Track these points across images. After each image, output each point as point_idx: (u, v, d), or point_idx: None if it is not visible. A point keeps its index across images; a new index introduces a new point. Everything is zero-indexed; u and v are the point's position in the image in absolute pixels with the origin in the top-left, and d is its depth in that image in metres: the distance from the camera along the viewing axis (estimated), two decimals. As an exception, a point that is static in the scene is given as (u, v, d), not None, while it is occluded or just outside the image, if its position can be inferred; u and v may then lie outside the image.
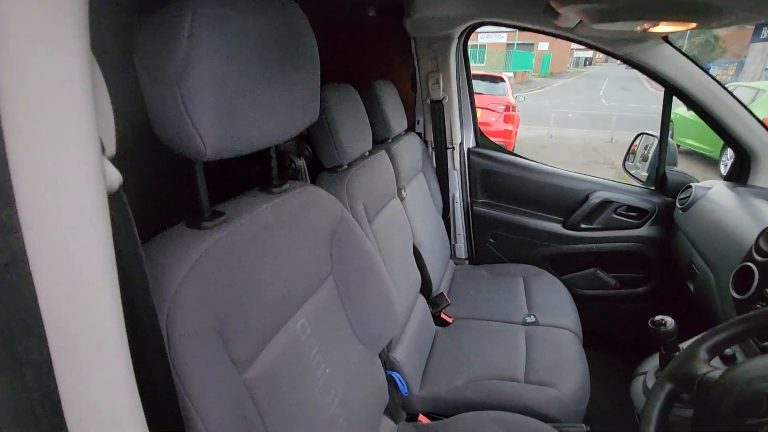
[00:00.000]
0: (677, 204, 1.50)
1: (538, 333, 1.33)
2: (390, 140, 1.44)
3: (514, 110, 6.13)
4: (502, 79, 6.49)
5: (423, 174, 1.69)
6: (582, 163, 6.58)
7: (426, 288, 1.46)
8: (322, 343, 0.74)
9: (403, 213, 1.37)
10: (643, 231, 1.62)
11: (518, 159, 1.80)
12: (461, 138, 1.77)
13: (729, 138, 1.41)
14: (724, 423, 0.53)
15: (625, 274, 1.73)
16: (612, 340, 1.75)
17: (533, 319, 1.40)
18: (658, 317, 0.91)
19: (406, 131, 1.61)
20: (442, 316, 1.46)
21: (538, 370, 1.16)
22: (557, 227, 1.74)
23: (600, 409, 1.42)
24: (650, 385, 0.94)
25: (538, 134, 8.58)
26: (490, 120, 5.96)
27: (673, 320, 0.89)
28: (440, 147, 1.74)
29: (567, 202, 1.72)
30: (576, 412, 1.06)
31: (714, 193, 1.38)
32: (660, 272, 1.64)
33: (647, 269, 1.68)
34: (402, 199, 1.40)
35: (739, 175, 1.47)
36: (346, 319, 0.86)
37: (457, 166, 1.78)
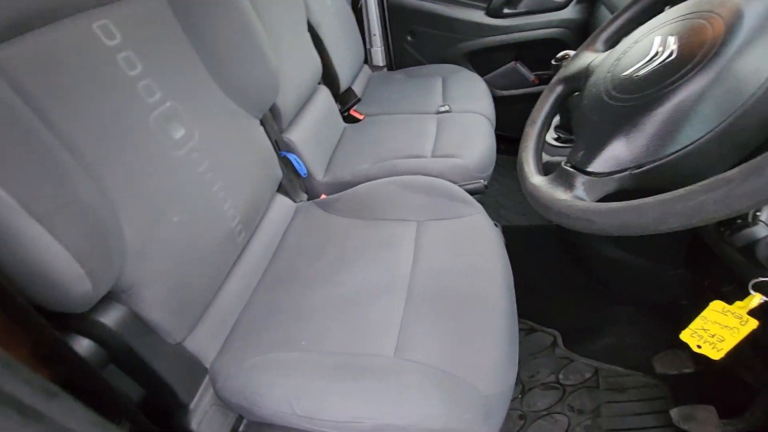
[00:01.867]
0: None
1: (450, 118, 1.26)
2: None
3: None
4: None
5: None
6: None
7: (330, 79, 1.29)
8: (152, 66, 0.57)
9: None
10: (568, 12, 1.49)
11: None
12: None
13: None
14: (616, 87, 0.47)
15: (543, 72, 1.67)
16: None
17: (447, 108, 1.32)
18: (561, 53, 0.83)
19: None
20: (352, 113, 1.33)
21: (444, 146, 1.12)
22: (479, 15, 1.55)
23: (503, 177, 1.50)
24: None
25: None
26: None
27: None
28: None
29: (492, -19, 1.50)
30: (479, 179, 1.06)
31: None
32: None
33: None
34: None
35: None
36: (198, 59, 0.68)
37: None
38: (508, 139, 1.41)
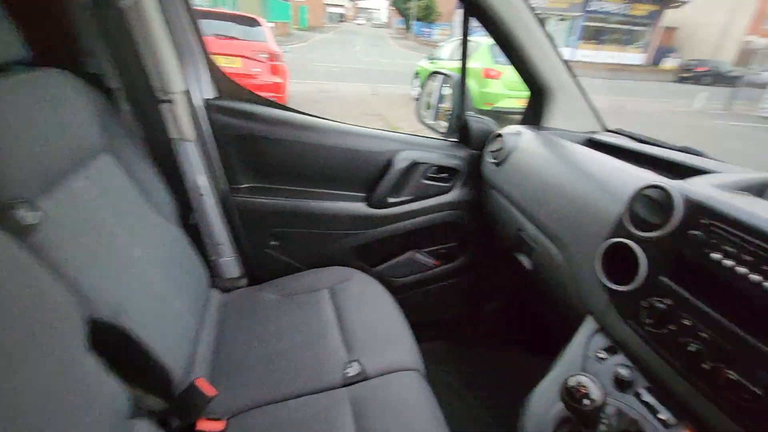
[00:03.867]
0: (489, 158, 1.21)
1: (369, 396, 0.82)
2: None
3: (279, 60, 5.37)
4: (258, 23, 5.54)
5: (113, 155, 0.85)
6: (356, 115, 6.57)
7: (154, 384, 0.73)
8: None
9: (28, 268, 0.55)
10: (455, 195, 1.32)
11: (290, 114, 1.16)
12: (185, 82, 0.99)
13: (529, 69, 1.17)
14: None
15: (440, 246, 1.44)
16: (441, 328, 1.48)
17: (357, 369, 0.88)
18: (572, 380, 0.52)
19: (35, 65, 0.71)
20: (201, 427, 0.76)
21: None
22: (360, 207, 1.25)
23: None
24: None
25: (308, 89, 8.20)
26: (254, 71, 5.04)
27: (599, 389, 0.51)
28: (140, 99, 0.92)
29: (368, 171, 1.23)
30: None
31: (526, 141, 1.13)
32: (475, 240, 1.39)
33: (462, 238, 1.41)
34: (26, 230, 0.57)
35: (533, 116, 1.29)
36: None
37: (191, 132, 1.01)
38: (415, 325, 1.05)
